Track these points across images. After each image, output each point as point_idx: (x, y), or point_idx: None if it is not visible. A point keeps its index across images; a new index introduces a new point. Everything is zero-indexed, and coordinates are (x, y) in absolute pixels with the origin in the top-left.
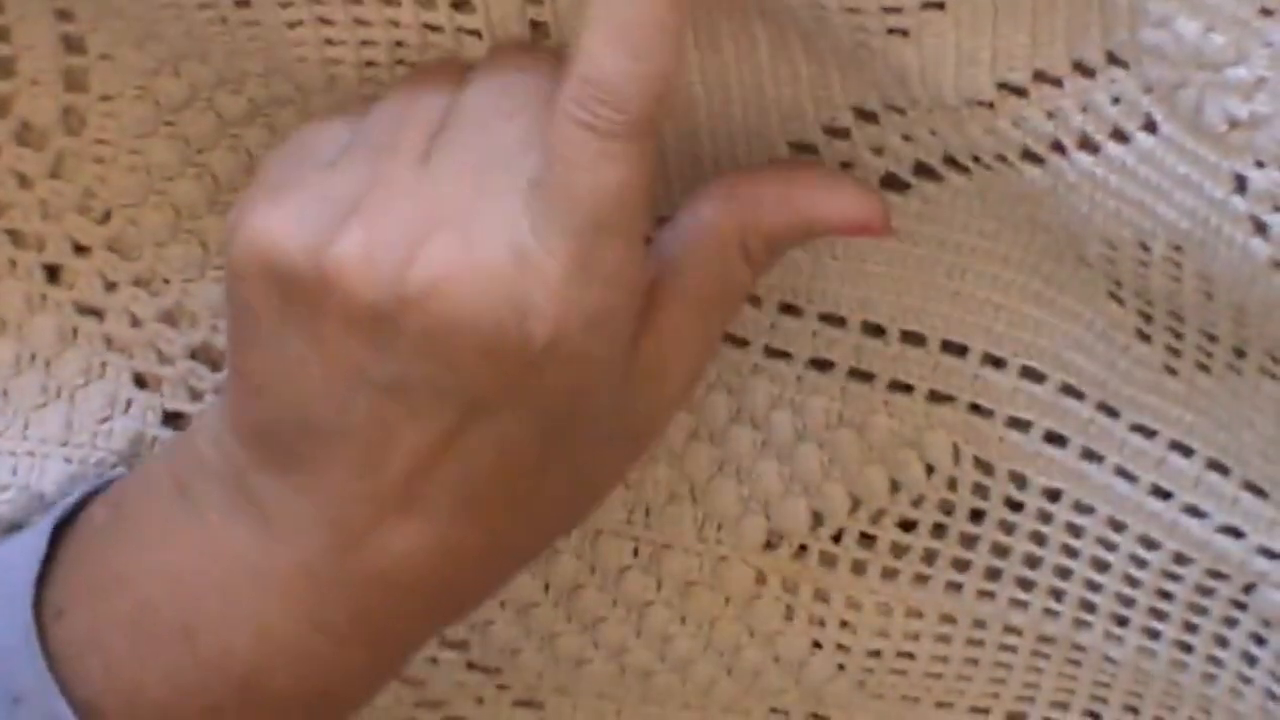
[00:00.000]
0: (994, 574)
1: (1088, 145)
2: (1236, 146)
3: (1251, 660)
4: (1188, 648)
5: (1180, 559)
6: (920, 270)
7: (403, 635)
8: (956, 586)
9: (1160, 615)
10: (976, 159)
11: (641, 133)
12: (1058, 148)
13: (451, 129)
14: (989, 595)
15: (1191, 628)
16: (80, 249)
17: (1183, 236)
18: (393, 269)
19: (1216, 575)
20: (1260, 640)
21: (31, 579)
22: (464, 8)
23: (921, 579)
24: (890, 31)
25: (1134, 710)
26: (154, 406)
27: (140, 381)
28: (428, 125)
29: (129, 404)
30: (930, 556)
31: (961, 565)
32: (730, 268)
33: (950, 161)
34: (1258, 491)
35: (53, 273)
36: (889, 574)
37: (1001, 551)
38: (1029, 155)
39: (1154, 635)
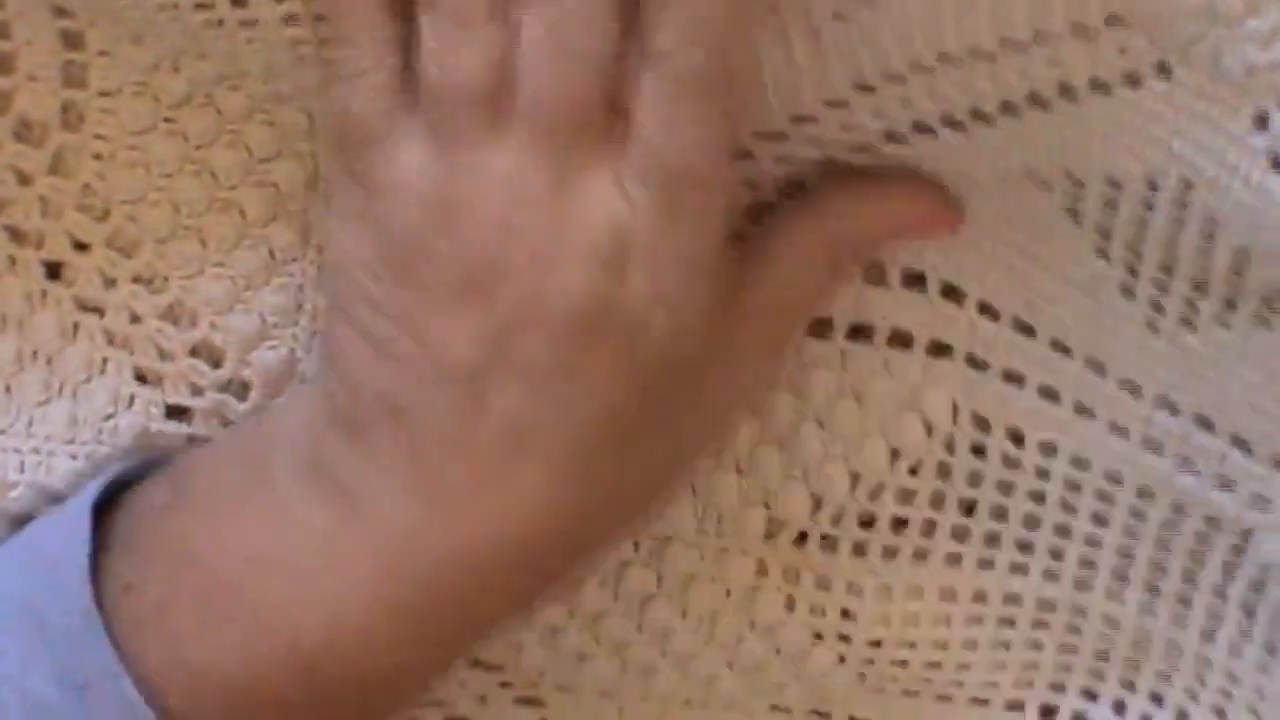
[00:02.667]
0: (993, 539)
1: (1099, 87)
2: (1257, 88)
3: (1250, 611)
4: (1187, 601)
5: (1178, 509)
6: None
7: (472, 625)
8: (956, 559)
9: (1160, 569)
10: (977, 113)
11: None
12: (1067, 92)
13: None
14: (988, 564)
15: (1191, 579)
16: (80, 245)
17: (1196, 172)
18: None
19: (1214, 524)
20: (1259, 588)
21: (84, 562)
22: None
23: (921, 554)
24: None
25: (1131, 684)
26: (156, 402)
27: (141, 377)
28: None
29: (132, 399)
30: (930, 528)
31: (961, 534)
32: (816, 278)
33: (948, 120)
34: (1245, 446)
35: (53, 269)
36: (889, 553)
37: (1000, 514)
38: (1036, 100)
39: (1154, 590)
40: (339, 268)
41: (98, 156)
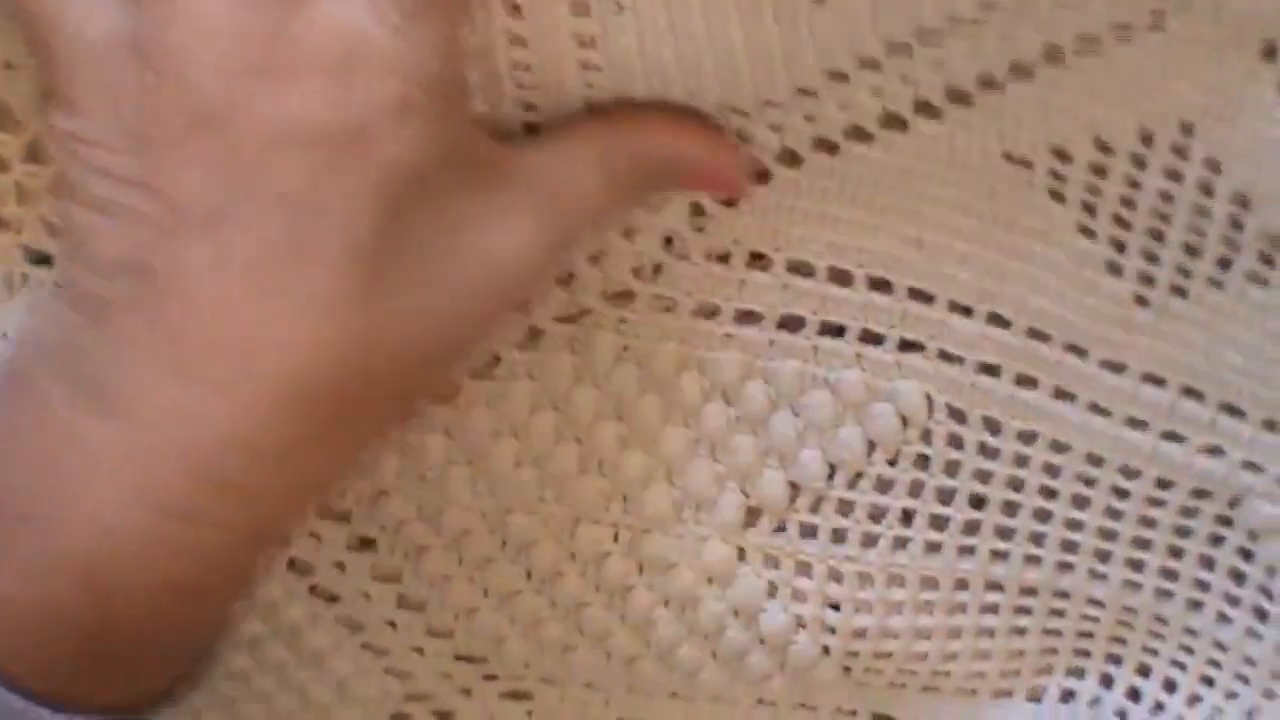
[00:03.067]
0: (972, 527)
1: (1087, 46)
2: (1264, 21)
3: (1239, 577)
4: (1173, 574)
5: (1162, 484)
6: (885, 217)
7: (258, 509)
8: (936, 546)
9: (1144, 544)
10: (954, 93)
11: None
12: (1053, 55)
13: None
14: (969, 551)
15: (1177, 552)
16: (56, 231)
17: (1198, 112)
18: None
19: (1200, 494)
20: (1248, 555)
21: None
22: None
23: (901, 542)
24: None
25: (1117, 659)
26: None
27: None
28: None
29: None
30: (908, 517)
31: (939, 523)
32: (586, 176)
33: (923, 107)
34: (1235, 412)
35: (32, 254)
36: (869, 540)
37: (979, 502)
38: (1019, 71)
39: (1138, 566)
40: (59, 147)
41: None
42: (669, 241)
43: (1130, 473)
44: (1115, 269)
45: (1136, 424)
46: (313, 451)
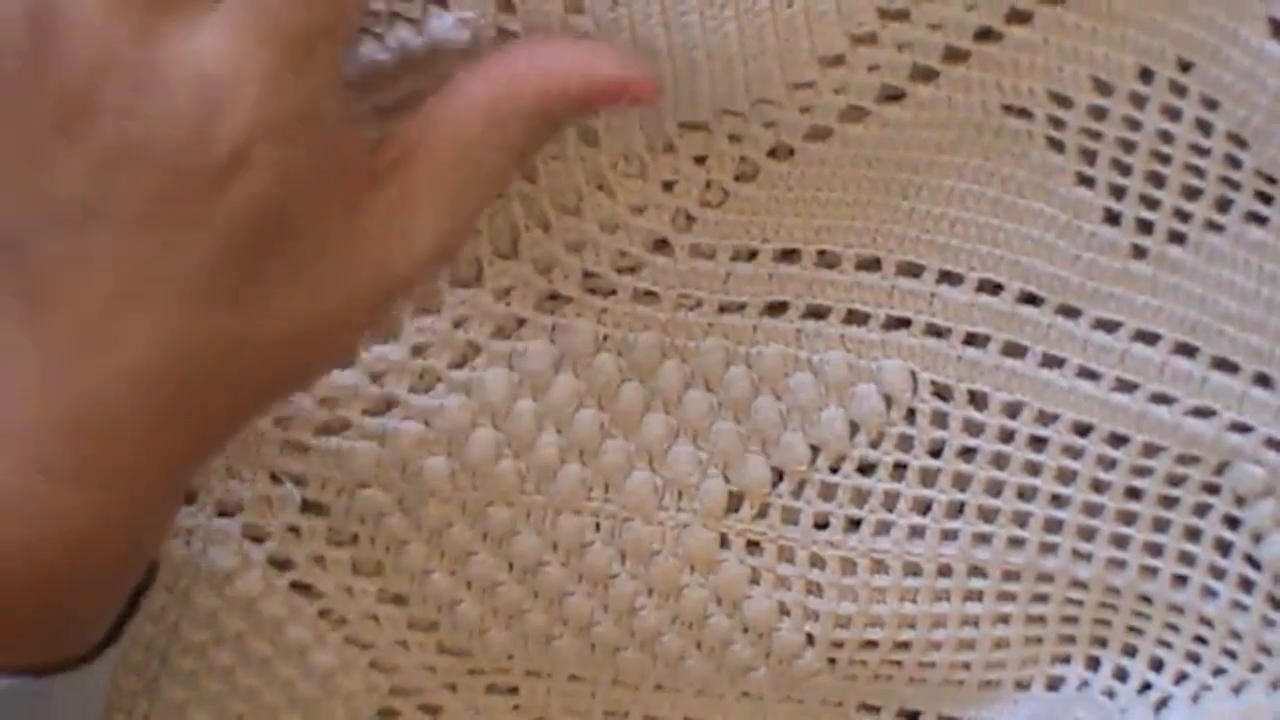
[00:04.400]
0: (955, 510)
1: None
2: None
3: (1225, 548)
4: (1158, 550)
5: (1149, 450)
6: (875, 193)
7: (133, 471)
8: (919, 531)
9: (1129, 518)
10: (952, 52)
11: None
12: None
13: None
14: (951, 535)
15: (1162, 525)
16: None
17: (1195, 47)
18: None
19: (1188, 460)
20: (1234, 523)
21: None
22: None
23: (884, 526)
24: None
25: (1102, 642)
26: None
27: None
28: None
29: None
30: (891, 500)
31: (922, 506)
32: (481, 139)
33: (921, 73)
34: (1227, 367)
35: None
36: (851, 525)
37: (962, 483)
38: (1017, 16)
39: (1123, 543)
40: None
41: None
42: (655, 243)
43: (1118, 440)
44: (1113, 218)
45: (1126, 386)
46: (172, 430)
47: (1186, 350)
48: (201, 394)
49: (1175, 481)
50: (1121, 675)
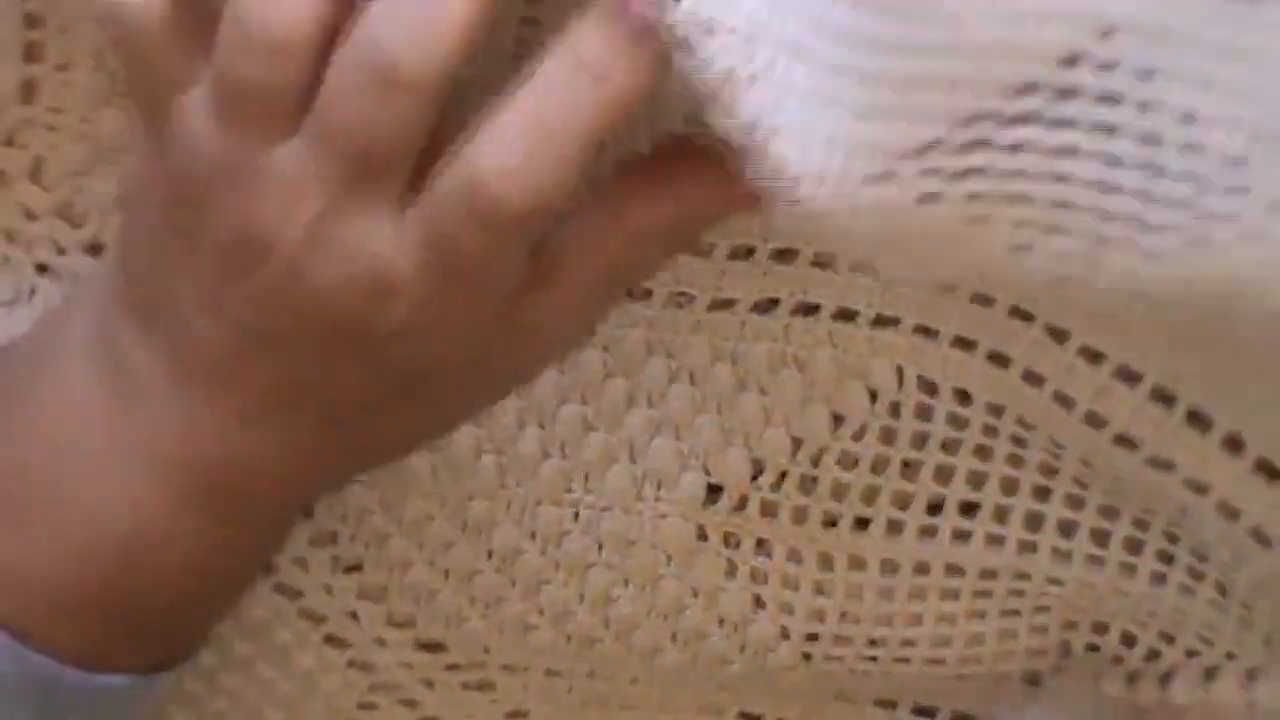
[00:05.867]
0: (935, 508)
1: None
2: None
3: (1202, 556)
4: (1138, 547)
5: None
6: None
7: (264, 511)
8: (898, 527)
9: (1111, 514)
10: None
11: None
12: None
13: (319, 105)
14: (930, 533)
15: (1143, 525)
16: (63, 250)
17: None
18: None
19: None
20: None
21: None
22: None
23: (862, 523)
24: None
25: (1073, 625)
26: None
27: None
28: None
29: None
30: (871, 495)
31: (903, 501)
32: (624, 257)
33: None
34: (1200, 422)
35: (9, 237)
36: (829, 521)
37: (944, 476)
38: None
39: (1103, 540)
40: (139, 174)
41: (51, 128)
42: None
43: (1089, 463)
44: None
45: (1096, 422)
46: (300, 485)
47: (1164, 397)
48: (300, 491)
49: (1153, 493)
50: (1093, 648)
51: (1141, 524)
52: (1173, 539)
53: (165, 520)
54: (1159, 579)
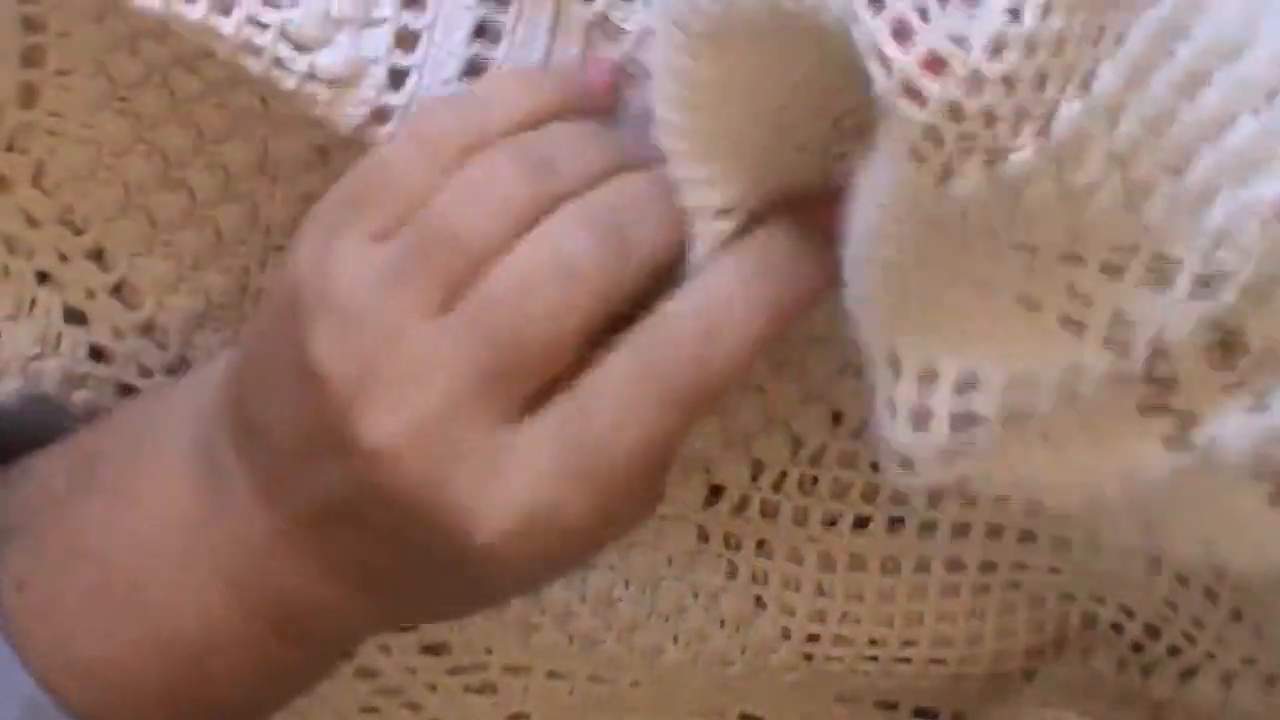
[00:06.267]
0: (935, 498)
1: None
2: None
3: None
4: None
5: None
6: None
7: (316, 655)
8: (899, 524)
9: None
10: None
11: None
12: None
13: (489, 288)
14: (930, 528)
15: None
16: (66, 256)
17: None
18: (376, 407)
19: None
20: None
21: None
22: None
23: (862, 522)
24: None
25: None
26: (109, 379)
27: (96, 354)
28: (468, 268)
29: (85, 378)
30: (871, 493)
31: (902, 497)
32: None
33: None
34: None
35: (10, 245)
36: (830, 520)
37: None
38: None
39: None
40: (280, 298)
41: (51, 133)
42: None
43: None
44: None
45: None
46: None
47: None
48: (384, 613)
49: None
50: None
51: None
52: None
53: (232, 630)
54: (1154, 567)
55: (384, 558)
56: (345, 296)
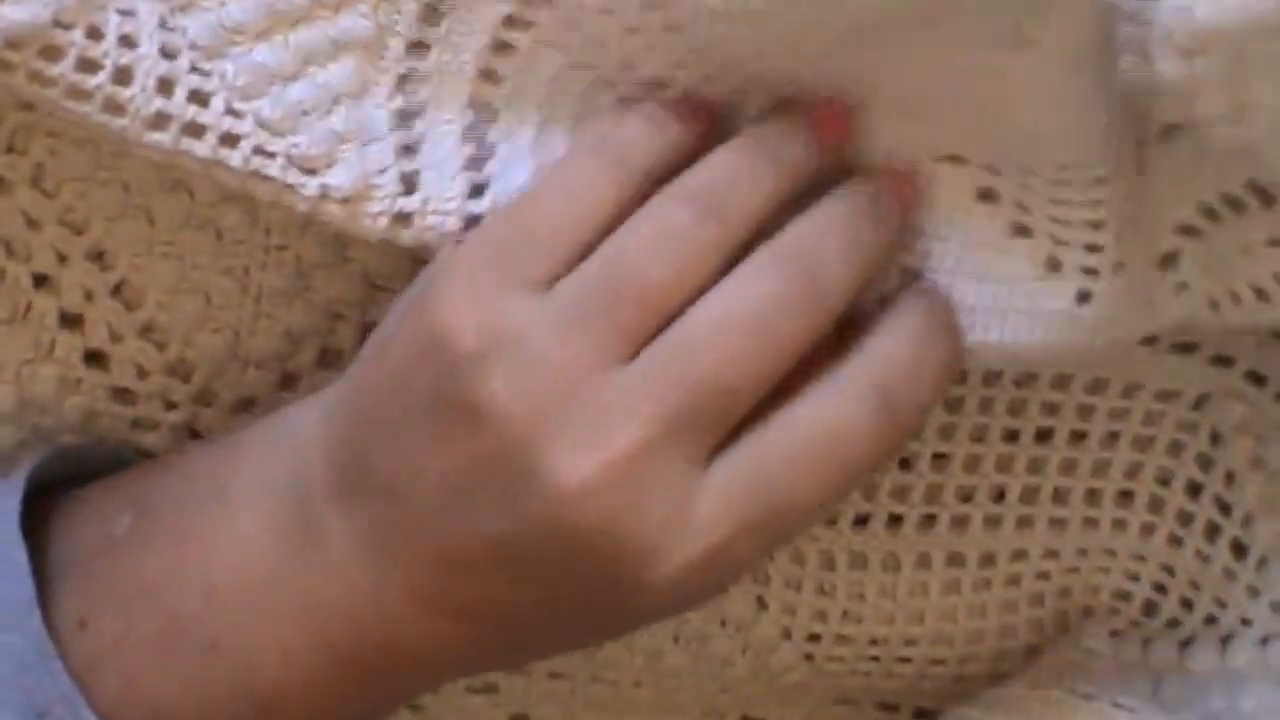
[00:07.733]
0: (935, 492)
1: None
2: None
3: (1195, 490)
4: (1128, 498)
5: (1128, 391)
6: None
7: (400, 695)
8: (898, 521)
9: (1103, 469)
10: None
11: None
12: None
13: (684, 334)
14: (930, 523)
15: (1133, 473)
16: (64, 258)
17: None
18: (546, 452)
19: (1166, 396)
20: (1207, 463)
21: (31, 591)
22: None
23: (862, 520)
24: None
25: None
26: (104, 384)
27: (91, 358)
28: (651, 316)
29: (79, 382)
30: (870, 492)
31: (902, 494)
32: None
33: None
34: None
35: (8, 247)
36: (830, 519)
37: (940, 465)
38: None
39: (1094, 500)
40: (431, 330)
41: (51, 134)
42: None
43: (1099, 384)
44: None
45: None
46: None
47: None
48: (478, 661)
49: (1152, 420)
50: (1088, 611)
51: (1134, 469)
52: (1165, 481)
53: (310, 675)
54: (1148, 532)
55: (525, 597)
56: (523, 340)
